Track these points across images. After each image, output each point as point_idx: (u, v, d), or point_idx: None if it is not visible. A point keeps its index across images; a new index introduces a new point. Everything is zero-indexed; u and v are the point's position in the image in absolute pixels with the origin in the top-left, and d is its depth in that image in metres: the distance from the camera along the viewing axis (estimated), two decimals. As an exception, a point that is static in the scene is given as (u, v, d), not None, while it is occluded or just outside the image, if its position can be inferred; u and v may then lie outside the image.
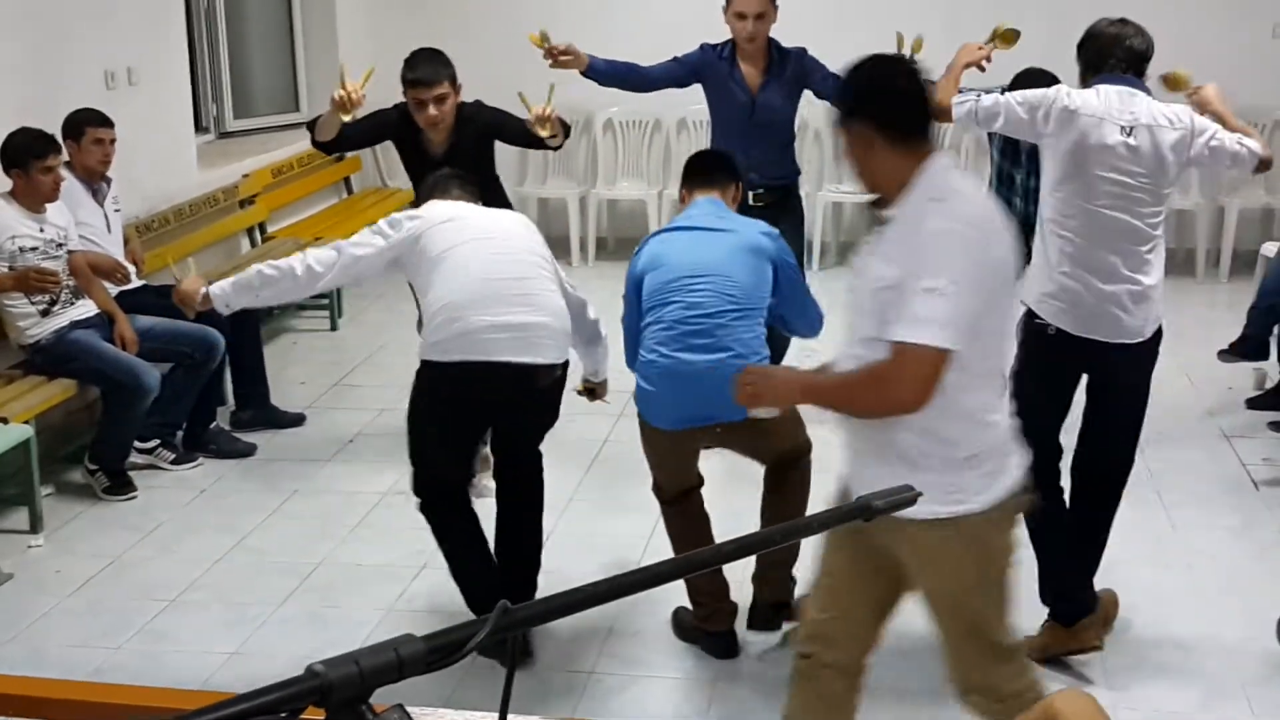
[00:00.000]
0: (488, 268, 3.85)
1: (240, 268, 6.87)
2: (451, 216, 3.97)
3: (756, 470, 4.13)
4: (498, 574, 4.07)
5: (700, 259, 3.90)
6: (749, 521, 4.04)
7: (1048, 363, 3.77)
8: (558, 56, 5.39)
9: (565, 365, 3.97)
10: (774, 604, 4.11)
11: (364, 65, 5.20)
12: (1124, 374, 3.84)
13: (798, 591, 4.10)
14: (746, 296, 3.88)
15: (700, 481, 4.14)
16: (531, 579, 4.14)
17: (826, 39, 5.63)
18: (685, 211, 4.12)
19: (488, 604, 3.80)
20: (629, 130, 8.71)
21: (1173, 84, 4.21)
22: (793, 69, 5.47)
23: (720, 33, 5.54)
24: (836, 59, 5.30)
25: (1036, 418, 3.83)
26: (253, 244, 7.51)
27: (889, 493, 1.44)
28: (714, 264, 3.88)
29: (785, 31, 5.54)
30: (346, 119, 4.88)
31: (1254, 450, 5.43)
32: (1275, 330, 5.81)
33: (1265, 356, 5.87)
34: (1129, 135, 3.69)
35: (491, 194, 5.20)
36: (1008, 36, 4.48)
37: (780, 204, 5.49)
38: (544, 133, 4.92)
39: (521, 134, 5.08)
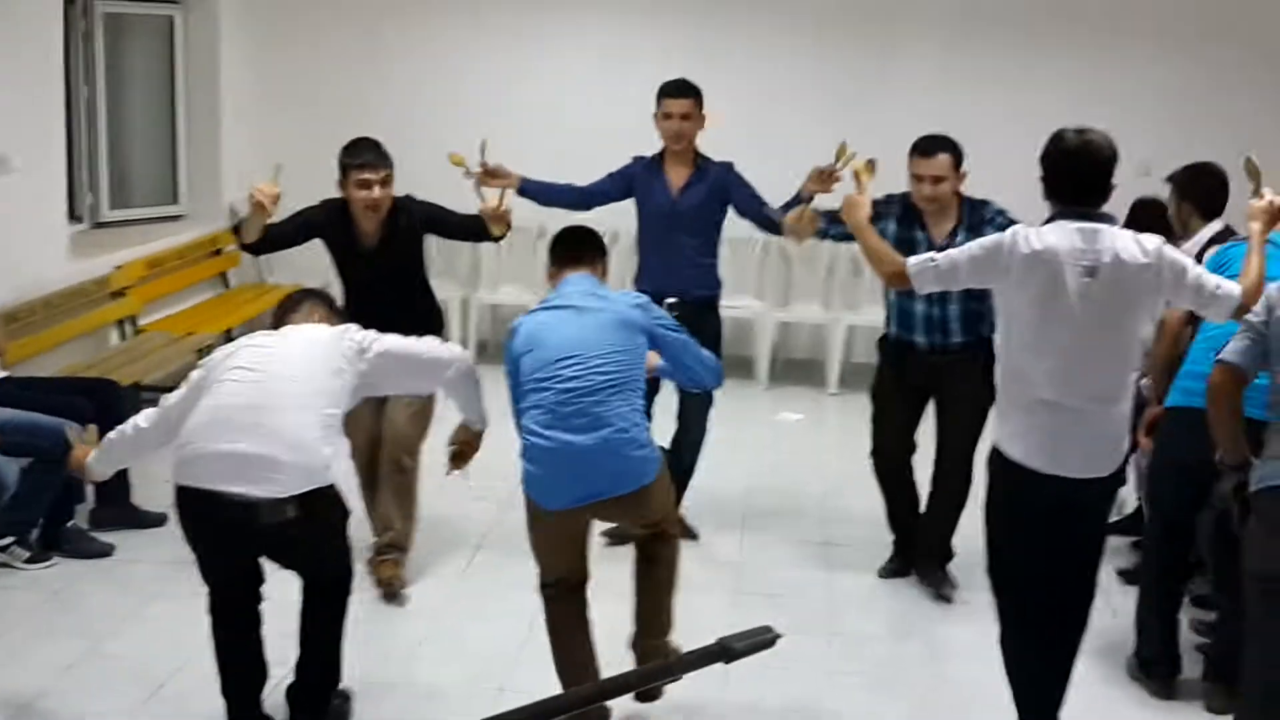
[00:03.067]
0: (230, 396, 3.84)
1: (108, 361, 6.81)
2: (234, 350, 4.01)
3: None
4: (254, 678, 4.06)
5: (573, 339, 4.00)
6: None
7: (1018, 502, 3.81)
8: (486, 176, 5.52)
9: (303, 500, 3.74)
10: None
11: (248, 161, 5.24)
12: (1092, 508, 3.84)
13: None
14: (621, 371, 3.99)
15: (587, 575, 4.16)
16: (315, 700, 4.11)
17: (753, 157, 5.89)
18: (558, 289, 4.20)
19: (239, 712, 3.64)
20: (513, 236, 8.65)
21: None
22: (716, 177, 5.68)
23: (623, 143, 5.84)
24: (761, 176, 5.69)
25: (1021, 565, 3.87)
26: (123, 337, 7.36)
27: (749, 634, 1.44)
28: (587, 343, 3.99)
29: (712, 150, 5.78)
30: (268, 220, 4.93)
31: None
32: (1132, 457, 5.94)
33: (1123, 483, 6.00)
34: (1092, 276, 3.63)
35: (418, 292, 5.39)
36: (868, 169, 4.51)
37: (697, 318, 5.56)
38: (498, 230, 5.13)
39: (457, 227, 5.28)
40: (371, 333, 4.11)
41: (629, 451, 3.95)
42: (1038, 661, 3.93)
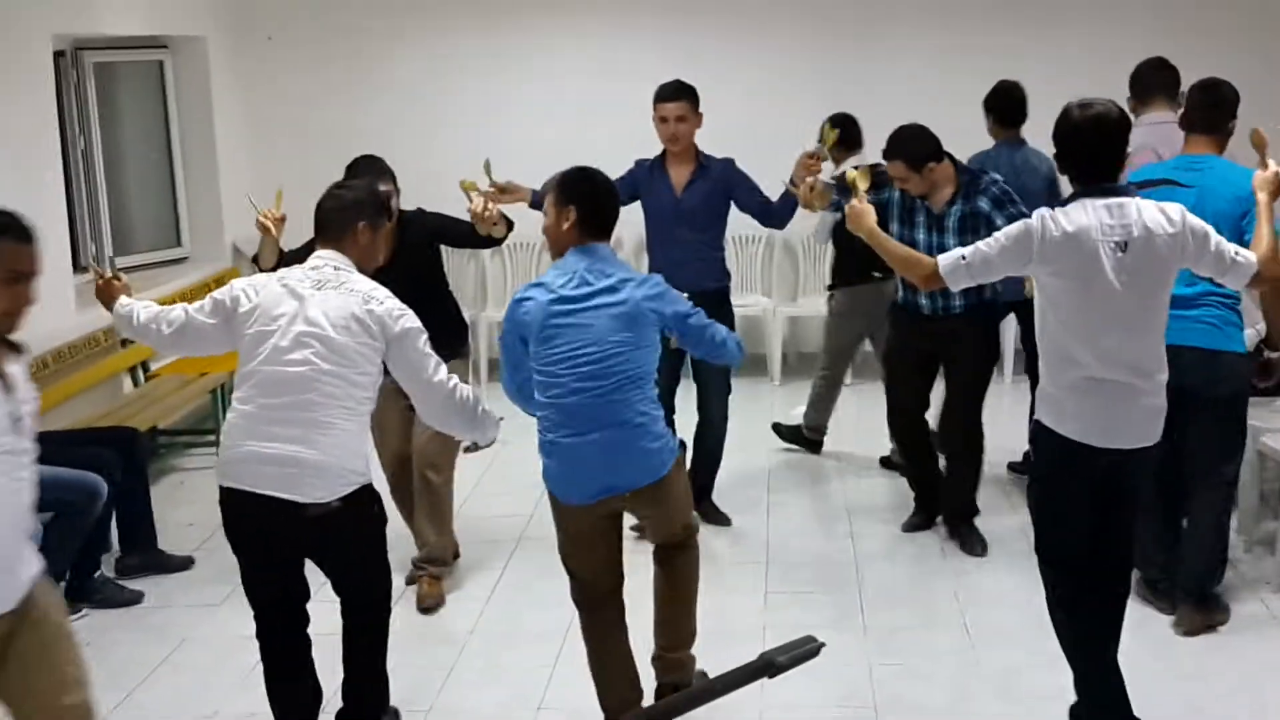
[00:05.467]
0: (274, 391, 3.77)
1: (124, 408, 6.82)
2: (272, 319, 3.84)
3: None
4: (306, 702, 4.04)
5: (587, 336, 3.94)
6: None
7: (1071, 477, 3.80)
8: (499, 194, 5.59)
9: (347, 498, 3.80)
10: (673, 685, 4.12)
11: (247, 197, 5.29)
12: (1140, 479, 3.87)
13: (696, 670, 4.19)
14: (634, 365, 3.99)
15: (620, 581, 4.17)
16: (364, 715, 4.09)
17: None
18: (577, 260, 4.01)
19: None
20: (517, 252, 8.75)
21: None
22: (719, 174, 5.85)
23: (622, 150, 5.92)
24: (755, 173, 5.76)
25: (1074, 535, 3.87)
26: (135, 383, 7.37)
27: (791, 645, 1.43)
28: (600, 340, 3.94)
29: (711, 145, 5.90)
30: (279, 243, 5.03)
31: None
32: None
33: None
34: (1124, 251, 3.64)
35: (437, 302, 5.40)
36: (865, 175, 4.47)
37: (710, 312, 5.58)
38: (485, 231, 5.16)
39: (464, 235, 5.36)
40: (401, 308, 3.93)
41: (645, 443, 3.97)
42: (1093, 623, 3.93)
